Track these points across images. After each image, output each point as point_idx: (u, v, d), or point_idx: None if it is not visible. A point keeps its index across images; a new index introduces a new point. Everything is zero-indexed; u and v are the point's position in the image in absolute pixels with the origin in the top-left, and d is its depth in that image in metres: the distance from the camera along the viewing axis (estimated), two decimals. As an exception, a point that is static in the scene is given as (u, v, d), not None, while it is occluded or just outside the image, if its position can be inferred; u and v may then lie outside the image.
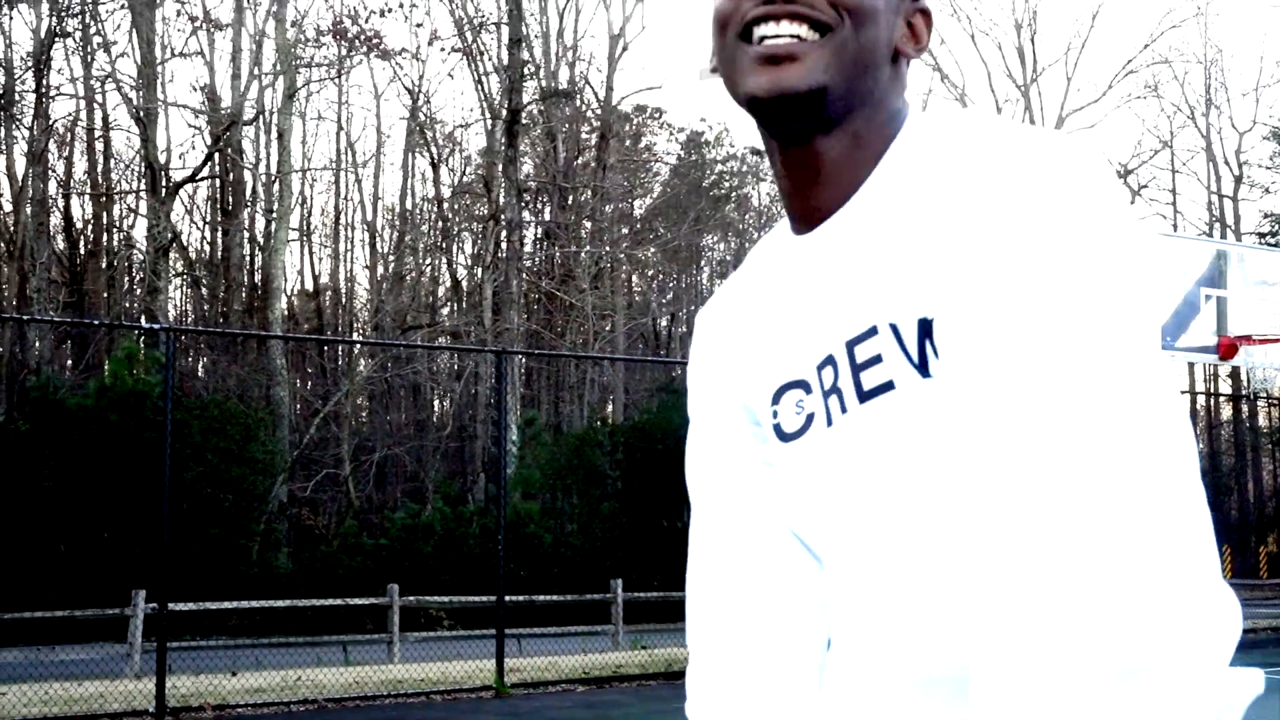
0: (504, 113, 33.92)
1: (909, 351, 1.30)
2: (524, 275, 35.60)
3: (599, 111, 41.97)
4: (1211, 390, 45.43)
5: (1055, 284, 1.17)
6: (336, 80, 40.41)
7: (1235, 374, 34.08)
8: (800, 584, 1.45)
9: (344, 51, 36.34)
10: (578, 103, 41.65)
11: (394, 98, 58.54)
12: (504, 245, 34.25)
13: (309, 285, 44.50)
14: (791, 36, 1.32)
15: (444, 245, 44.17)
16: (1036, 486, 1.13)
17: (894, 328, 1.31)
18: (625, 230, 44.90)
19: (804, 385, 1.40)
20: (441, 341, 39.37)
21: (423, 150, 42.47)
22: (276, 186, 33.88)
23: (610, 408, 40.90)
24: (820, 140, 1.36)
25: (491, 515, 21.83)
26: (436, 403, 42.11)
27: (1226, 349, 13.77)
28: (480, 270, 37.19)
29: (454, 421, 37.81)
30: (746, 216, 52.58)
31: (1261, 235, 49.11)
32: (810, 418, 1.39)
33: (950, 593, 1.28)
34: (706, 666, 1.49)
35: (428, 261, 44.83)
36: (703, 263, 52.25)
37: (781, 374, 1.42)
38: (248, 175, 38.14)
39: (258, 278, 37.80)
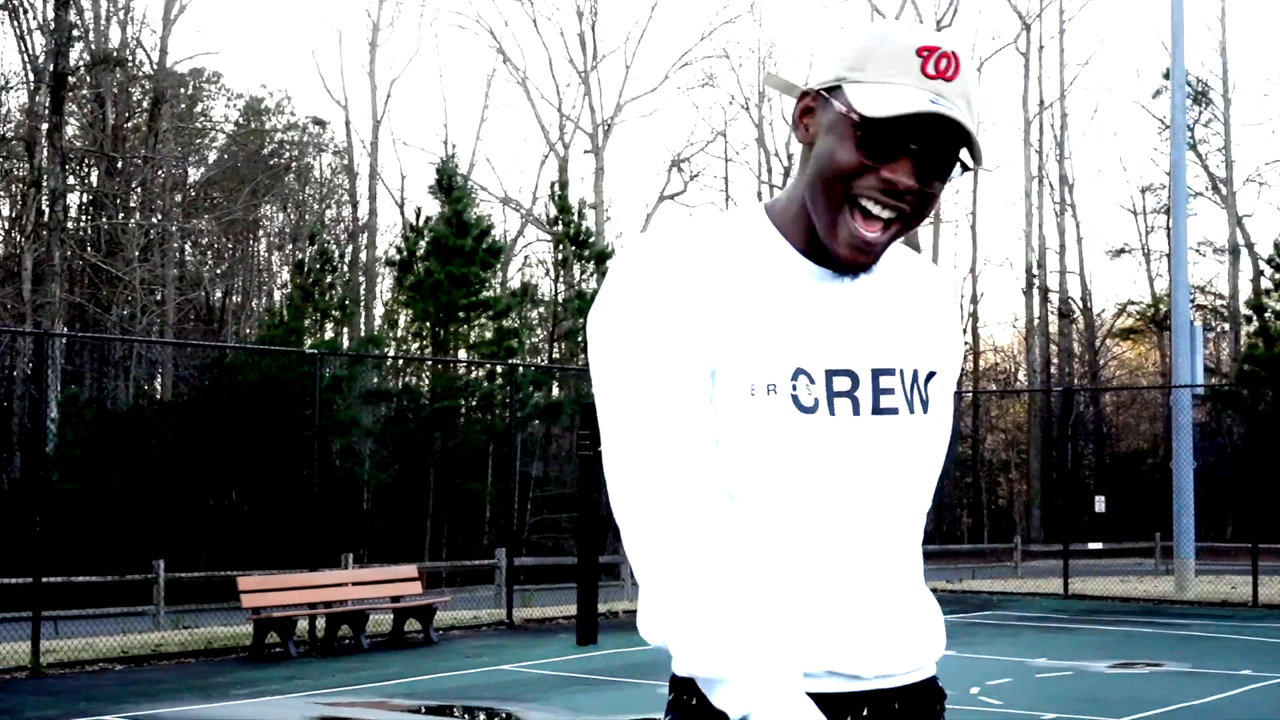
0: (49, 76, 32.67)
1: (917, 390, 2.07)
2: (68, 245, 34.40)
3: (152, 75, 40.86)
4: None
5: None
6: None
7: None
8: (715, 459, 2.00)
9: None
10: (129, 67, 40.40)
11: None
12: (46, 214, 33.01)
13: None
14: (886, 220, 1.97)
15: (-19, 209, 41.99)
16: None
17: (905, 372, 2.06)
18: (179, 198, 43.83)
19: (810, 377, 1.98)
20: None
21: (-42, 108, 40.21)
22: None
23: (159, 383, 39.96)
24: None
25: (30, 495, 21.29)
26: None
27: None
28: (20, 238, 35.66)
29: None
30: (307, 188, 52.14)
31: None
32: (817, 403, 1.98)
33: (899, 530, 2.06)
34: (691, 489, 1.95)
35: (-38, 226, 42.48)
36: (260, 234, 51.42)
37: (796, 361, 1.98)
38: None
39: None
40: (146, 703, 12.01)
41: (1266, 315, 41.75)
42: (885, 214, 1.96)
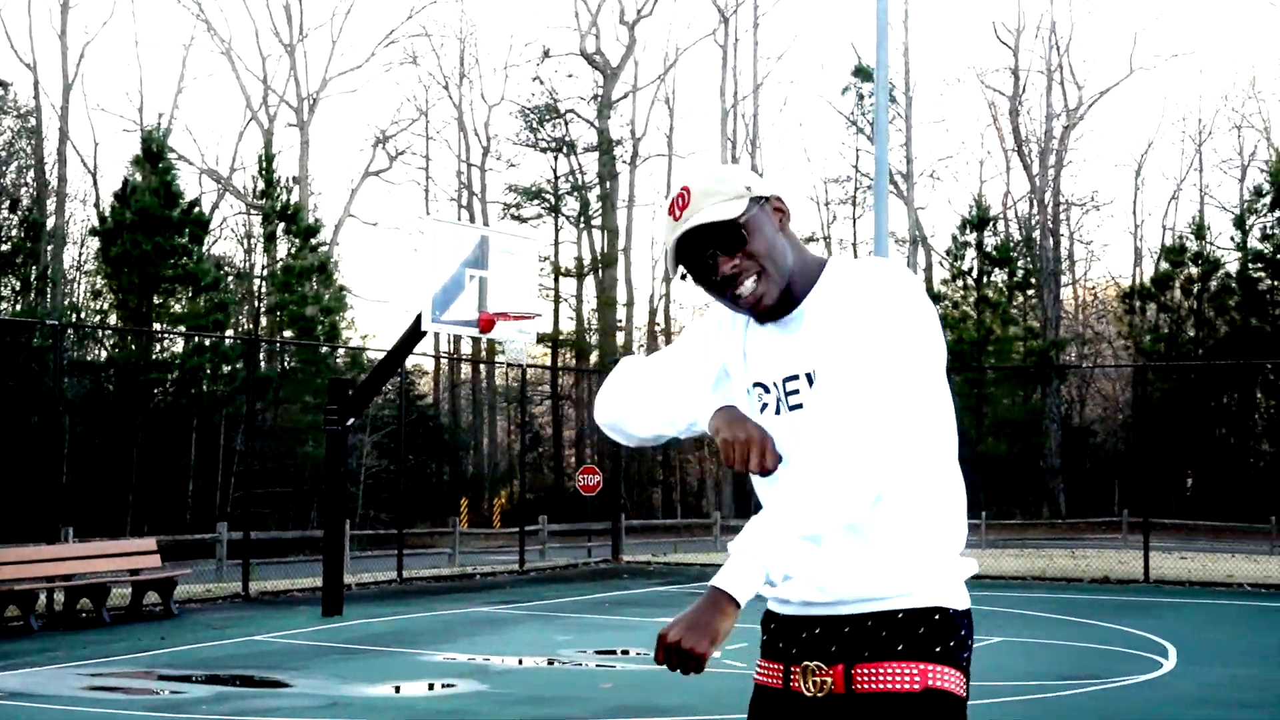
0: None
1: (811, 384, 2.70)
2: None
3: None
4: (452, 353, 48.62)
5: (879, 325, 2.64)
6: None
7: (476, 340, 36.34)
8: (682, 395, 2.89)
9: None
10: None
11: None
12: None
13: None
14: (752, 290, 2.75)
15: None
16: (854, 401, 2.59)
17: (809, 375, 2.72)
18: None
19: (765, 388, 2.81)
20: None
21: None
22: None
23: None
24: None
25: None
26: None
27: (486, 324, 15.69)
28: None
29: None
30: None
31: (506, 206, 53.03)
32: (765, 405, 2.80)
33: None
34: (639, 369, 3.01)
35: None
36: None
37: (755, 376, 2.84)
38: None
39: None
40: (-100, 677, 11.77)
41: (943, 305, 44.53)
42: (741, 290, 2.75)
